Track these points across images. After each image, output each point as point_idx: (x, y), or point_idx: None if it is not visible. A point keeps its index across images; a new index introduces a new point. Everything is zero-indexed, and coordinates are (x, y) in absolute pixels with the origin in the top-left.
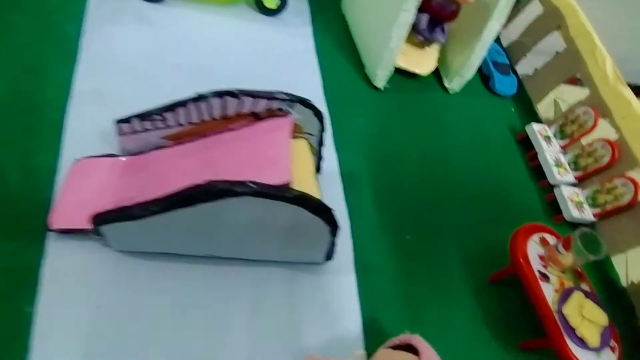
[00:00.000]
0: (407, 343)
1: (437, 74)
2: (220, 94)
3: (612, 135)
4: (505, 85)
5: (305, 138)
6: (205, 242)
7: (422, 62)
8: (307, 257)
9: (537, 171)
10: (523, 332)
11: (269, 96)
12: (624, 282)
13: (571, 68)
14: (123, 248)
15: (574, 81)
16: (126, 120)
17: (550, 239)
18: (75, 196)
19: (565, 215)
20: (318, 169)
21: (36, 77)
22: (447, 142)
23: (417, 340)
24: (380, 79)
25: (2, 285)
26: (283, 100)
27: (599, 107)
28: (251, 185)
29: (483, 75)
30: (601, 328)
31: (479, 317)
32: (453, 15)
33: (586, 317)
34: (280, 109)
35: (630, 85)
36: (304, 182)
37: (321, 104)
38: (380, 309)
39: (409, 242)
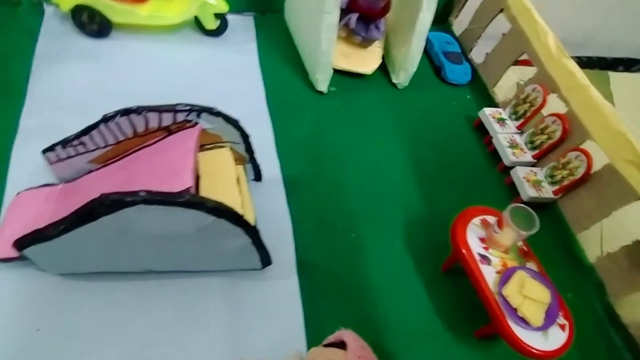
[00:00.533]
0: (341, 339)
1: (385, 71)
2: (125, 113)
3: (563, 109)
4: (458, 74)
5: (227, 147)
6: (129, 257)
7: (366, 61)
8: (242, 263)
9: (495, 155)
10: (478, 320)
11: (171, 109)
12: (591, 258)
13: (518, 48)
14: (57, 271)
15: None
16: (50, 149)
17: (492, 220)
18: (16, 226)
19: (523, 196)
20: (259, 177)
21: None
22: (397, 136)
23: (347, 335)
24: (322, 83)
25: None
26: (186, 111)
27: (546, 82)
28: (142, 194)
29: (435, 67)
30: (545, 306)
31: (431, 309)
32: (383, 11)
33: (527, 296)
34: (188, 121)
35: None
36: (223, 189)
37: (263, 114)
38: (324, 309)
39: (354, 240)
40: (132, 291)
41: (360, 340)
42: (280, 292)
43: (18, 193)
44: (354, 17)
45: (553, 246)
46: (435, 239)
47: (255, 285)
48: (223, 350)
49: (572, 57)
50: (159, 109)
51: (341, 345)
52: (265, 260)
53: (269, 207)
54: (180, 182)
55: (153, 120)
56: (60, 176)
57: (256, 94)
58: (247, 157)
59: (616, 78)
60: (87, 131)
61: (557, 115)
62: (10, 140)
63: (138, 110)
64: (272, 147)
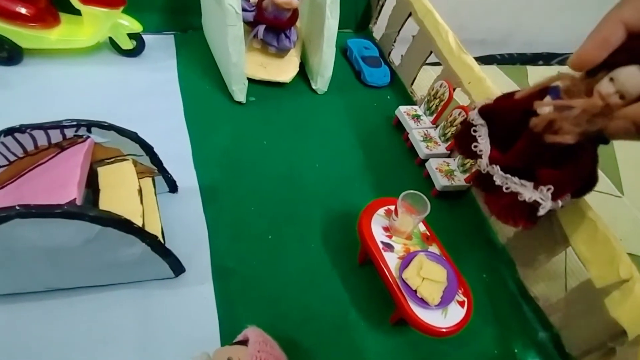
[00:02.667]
0: (246, 337)
1: (306, 78)
2: (8, 132)
3: (468, 102)
4: (377, 76)
5: (129, 160)
6: (25, 275)
7: (282, 70)
8: (151, 273)
9: (413, 151)
10: (392, 307)
11: (57, 125)
12: (502, 240)
13: (426, 48)
14: None
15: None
16: None
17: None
18: None
19: (437, 186)
20: (174, 188)
21: None
22: (316, 139)
23: (251, 331)
24: (239, 94)
25: None
26: (73, 126)
27: (451, 78)
28: (17, 208)
29: (356, 72)
30: (442, 285)
31: (347, 301)
32: (289, 22)
33: (425, 277)
34: (79, 136)
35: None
36: (124, 201)
37: (181, 128)
38: (240, 312)
39: (272, 242)
40: (38, 311)
41: (264, 336)
42: (195, 299)
43: None
44: (261, 28)
45: (468, 231)
46: (352, 235)
47: (169, 293)
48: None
49: (494, 55)
50: (44, 126)
51: (247, 342)
52: (177, 267)
53: (185, 217)
54: (65, 195)
55: (40, 138)
56: None
57: (175, 109)
58: (156, 169)
59: (534, 71)
60: None
61: (462, 107)
62: None
63: (21, 129)
64: (189, 159)
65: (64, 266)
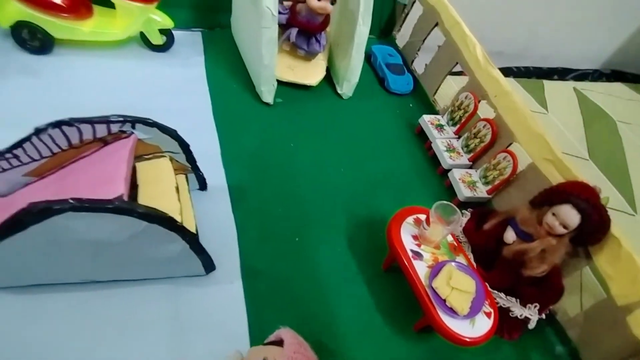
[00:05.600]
0: (280, 338)
1: (331, 83)
2: (57, 125)
3: (492, 115)
4: (400, 84)
5: (166, 157)
6: (65, 267)
7: (310, 73)
8: (184, 270)
9: (435, 159)
10: (416, 314)
11: (105, 120)
12: None
13: (452, 58)
14: None
15: None
16: None
17: (424, 218)
18: None
19: (459, 196)
20: (204, 186)
21: None
22: (342, 144)
23: (285, 332)
24: (267, 95)
25: None
26: (120, 122)
27: (476, 90)
28: (71, 201)
29: (380, 78)
30: (471, 295)
31: (372, 306)
32: (321, 26)
33: (454, 287)
34: (123, 131)
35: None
36: (161, 197)
37: (210, 126)
38: (267, 311)
39: (298, 244)
40: (72, 301)
41: (298, 338)
42: (225, 297)
43: None
44: (293, 31)
45: None
46: (376, 240)
47: (200, 291)
48: (165, 357)
49: (511, 67)
50: (92, 121)
51: (280, 343)
52: (208, 265)
53: (214, 215)
54: (112, 190)
55: (87, 131)
56: None
57: (203, 106)
58: (189, 166)
59: (550, 86)
60: (19, 144)
61: (487, 120)
62: None
63: (70, 122)
64: (218, 157)
65: (104, 260)
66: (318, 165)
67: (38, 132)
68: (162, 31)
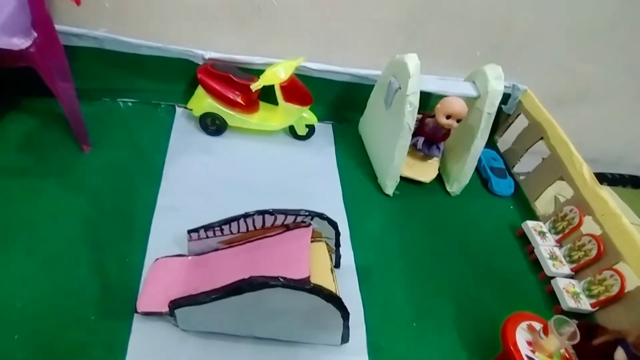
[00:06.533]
0: None
1: (441, 181)
2: (262, 212)
3: (598, 231)
4: (502, 186)
5: (323, 241)
6: (248, 323)
7: (425, 172)
8: (326, 339)
9: (536, 264)
10: None
11: (295, 213)
12: None
13: (556, 172)
14: (189, 328)
15: None
16: (195, 230)
17: (537, 326)
18: (155, 287)
19: (563, 306)
20: (338, 264)
21: (131, 196)
22: (450, 238)
23: None
24: (390, 188)
25: (100, 353)
26: (305, 215)
27: (582, 205)
28: (281, 279)
29: (483, 179)
30: None
31: None
32: (444, 137)
33: None
34: (303, 221)
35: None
36: (322, 277)
37: (340, 210)
38: None
39: (416, 329)
40: (243, 352)
41: None
42: None
43: (157, 259)
44: (421, 140)
45: None
46: (483, 336)
47: (333, 359)
48: None
49: (605, 174)
50: (287, 212)
51: None
52: (345, 338)
53: (345, 292)
54: (300, 271)
55: (280, 219)
56: (192, 250)
57: (335, 191)
58: (334, 249)
59: None
60: (229, 221)
61: (593, 236)
62: (150, 215)
63: (272, 212)
64: (348, 239)
65: (277, 323)
66: (431, 257)
67: (246, 216)
68: (307, 125)
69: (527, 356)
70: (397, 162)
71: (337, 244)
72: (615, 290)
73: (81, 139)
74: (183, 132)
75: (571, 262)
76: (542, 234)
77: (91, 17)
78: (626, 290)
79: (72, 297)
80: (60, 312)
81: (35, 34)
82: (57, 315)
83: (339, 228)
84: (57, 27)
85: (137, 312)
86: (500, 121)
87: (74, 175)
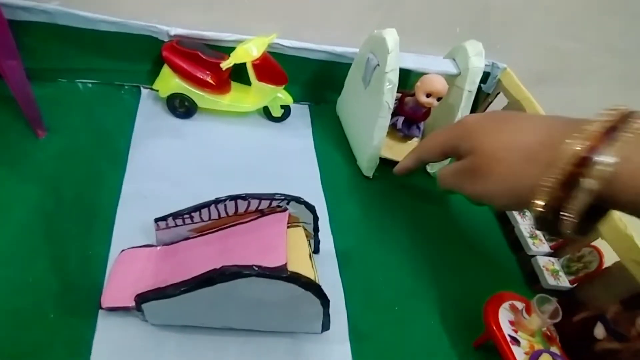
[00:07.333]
0: None
1: None
2: (234, 198)
3: None
4: None
5: (301, 226)
6: (222, 315)
7: (405, 152)
8: (306, 327)
9: (516, 243)
10: None
11: (270, 197)
12: None
13: None
14: (157, 322)
15: None
16: (163, 218)
17: (519, 305)
18: (121, 280)
19: (543, 284)
20: (317, 250)
21: (93, 184)
22: (431, 219)
23: None
24: (369, 170)
25: (62, 354)
26: (281, 199)
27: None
28: (255, 268)
29: None
30: None
31: None
32: (424, 116)
33: None
34: (279, 206)
35: None
36: (300, 263)
37: (318, 193)
38: None
39: (398, 314)
40: (212, 345)
41: None
42: (335, 357)
43: (122, 250)
44: (400, 119)
45: None
46: (466, 316)
47: (315, 347)
48: None
49: None
50: (261, 197)
51: None
52: (326, 325)
53: (324, 278)
54: (276, 259)
55: (253, 204)
56: (160, 239)
57: (313, 175)
58: (313, 234)
59: None
60: (198, 208)
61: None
62: (114, 204)
63: (245, 197)
64: (327, 224)
65: (253, 313)
66: (412, 239)
67: (217, 202)
68: (282, 106)
69: (510, 335)
70: (376, 142)
71: (316, 229)
72: (593, 266)
73: (34, 123)
74: (149, 114)
75: (550, 240)
76: (522, 213)
77: None
78: (604, 267)
79: (27, 294)
80: (14, 310)
81: None
82: (11, 314)
83: (317, 212)
84: None
85: (101, 308)
86: (480, 100)
87: (28, 162)
